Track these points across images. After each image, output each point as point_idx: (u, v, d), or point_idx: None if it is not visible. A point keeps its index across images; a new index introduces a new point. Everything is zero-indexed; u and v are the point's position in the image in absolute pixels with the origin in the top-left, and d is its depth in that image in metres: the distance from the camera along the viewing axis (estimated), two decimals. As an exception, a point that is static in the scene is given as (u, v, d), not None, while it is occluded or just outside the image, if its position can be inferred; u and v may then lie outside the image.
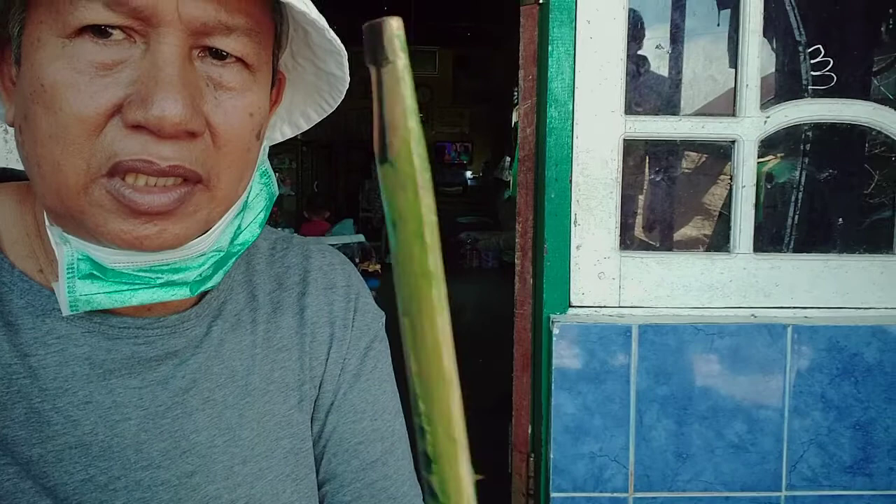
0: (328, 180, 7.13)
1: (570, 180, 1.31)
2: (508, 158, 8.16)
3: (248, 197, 0.57)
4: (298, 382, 0.64)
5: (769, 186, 1.33)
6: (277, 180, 0.68)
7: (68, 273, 0.51)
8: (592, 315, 1.33)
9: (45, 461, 0.52)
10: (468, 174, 8.90)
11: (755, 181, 1.32)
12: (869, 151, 1.33)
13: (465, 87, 8.92)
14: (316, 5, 0.54)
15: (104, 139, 0.46)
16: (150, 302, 0.53)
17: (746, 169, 1.32)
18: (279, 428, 0.63)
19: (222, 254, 0.56)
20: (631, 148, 1.37)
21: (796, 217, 1.31)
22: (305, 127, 0.68)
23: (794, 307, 1.34)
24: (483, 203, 8.50)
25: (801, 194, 1.31)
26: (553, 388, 1.30)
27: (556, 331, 1.30)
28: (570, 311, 1.34)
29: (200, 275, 0.54)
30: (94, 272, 0.51)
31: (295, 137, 0.72)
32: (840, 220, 1.35)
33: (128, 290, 0.52)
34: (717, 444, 1.31)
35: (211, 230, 0.53)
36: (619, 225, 1.33)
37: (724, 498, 1.32)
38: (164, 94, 0.45)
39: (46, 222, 0.51)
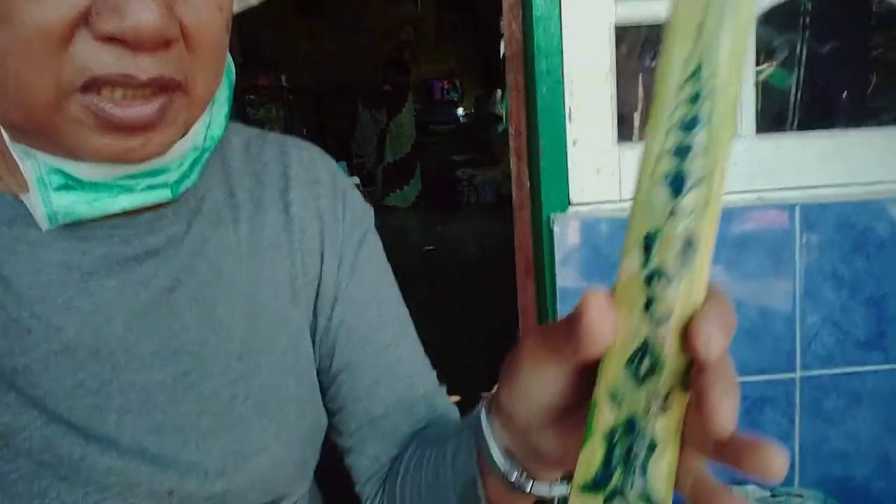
0: (316, 128, 7.03)
1: (562, 73, 1.26)
2: (500, 91, 8.01)
3: None
4: (290, 278, 0.62)
5: (769, 63, 1.28)
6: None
7: (39, 186, 0.48)
8: (594, 211, 1.30)
9: (31, 370, 0.50)
10: (459, 111, 8.75)
11: (755, 58, 1.26)
12: (872, 20, 1.27)
13: (449, 21, 8.67)
14: None
15: (73, 52, 0.42)
16: (132, 207, 0.51)
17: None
18: (274, 324, 0.61)
19: (198, 152, 0.54)
20: (624, 34, 1.31)
21: (799, 94, 1.26)
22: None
23: (801, 187, 1.30)
24: (477, 140, 8.38)
25: (802, 70, 1.25)
26: (557, 287, 1.28)
27: (556, 229, 1.26)
28: (571, 208, 1.30)
29: (180, 175, 0.52)
30: (69, 182, 0.48)
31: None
32: (844, 94, 1.29)
33: (107, 196, 0.49)
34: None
35: (190, 132, 0.51)
36: (615, 117, 1.28)
37: (740, 382, 1.30)
38: (139, 1, 0.41)
39: (6, 138, 0.47)
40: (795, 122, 1.31)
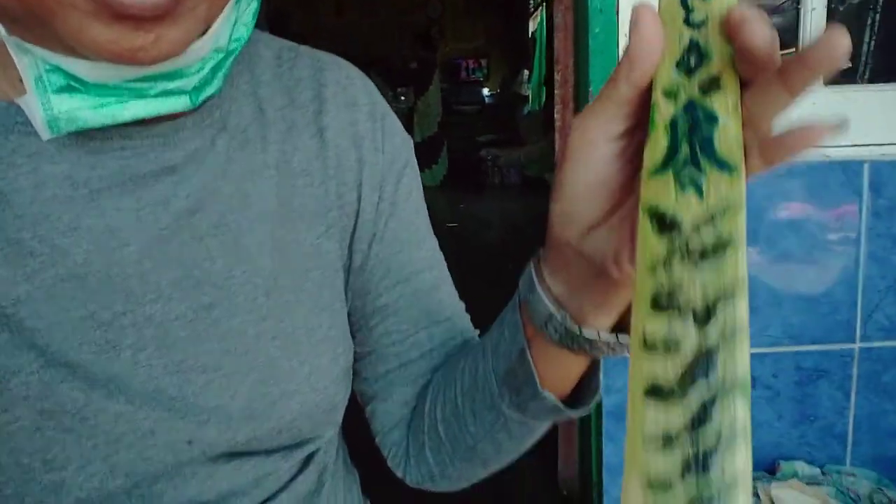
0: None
1: (617, 12, 1.17)
2: (527, 72, 7.89)
3: None
4: (324, 209, 0.55)
5: (841, 9, 1.18)
6: None
7: (38, 87, 0.40)
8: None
9: (34, 299, 0.44)
10: (485, 91, 8.62)
11: (826, 3, 1.17)
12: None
13: (478, -1, 8.55)
14: None
15: None
16: (145, 115, 0.43)
17: (817, -13, 1.16)
18: (306, 259, 0.54)
19: (222, 55, 0.45)
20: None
21: (872, 43, 1.16)
22: None
23: (870, 144, 1.21)
24: (502, 120, 8.27)
25: (877, 16, 1.15)
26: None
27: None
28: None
29: (200, 81, 0.44)
30: (72, 83, 0.40)
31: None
32: (922, 43, 1.19)
33: (116, 102, 0.41)
34: (785, 295, 1.21)
35: (211, 30, 0.42)
36: (672, 61, 1.19)
37: (793, 353, 1.22)
38: None
39: (2, 31, 0.40)
40: (867, 74, 1.21)
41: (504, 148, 7.13)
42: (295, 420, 0.54)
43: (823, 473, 1.23)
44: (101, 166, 0.45)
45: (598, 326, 0.42)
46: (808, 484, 1.17)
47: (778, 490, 1.14)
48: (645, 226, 0.31)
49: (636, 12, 0.32)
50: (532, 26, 7.84)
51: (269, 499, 0.55)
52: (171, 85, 0.43)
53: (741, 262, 0.28)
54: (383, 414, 0.64)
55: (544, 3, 7.03)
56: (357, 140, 0.58)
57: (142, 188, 0.47)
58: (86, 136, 0.45)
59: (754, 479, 1.21)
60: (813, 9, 1.17)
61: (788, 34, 1.22)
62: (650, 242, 0.30)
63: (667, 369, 0.29)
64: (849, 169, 1.17)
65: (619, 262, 0.38)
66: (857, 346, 1.22)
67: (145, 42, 0.38)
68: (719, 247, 0.29)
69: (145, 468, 0.48)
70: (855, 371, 1.23)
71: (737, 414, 0.27)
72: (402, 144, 0.62)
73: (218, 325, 0.50)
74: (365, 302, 0.61)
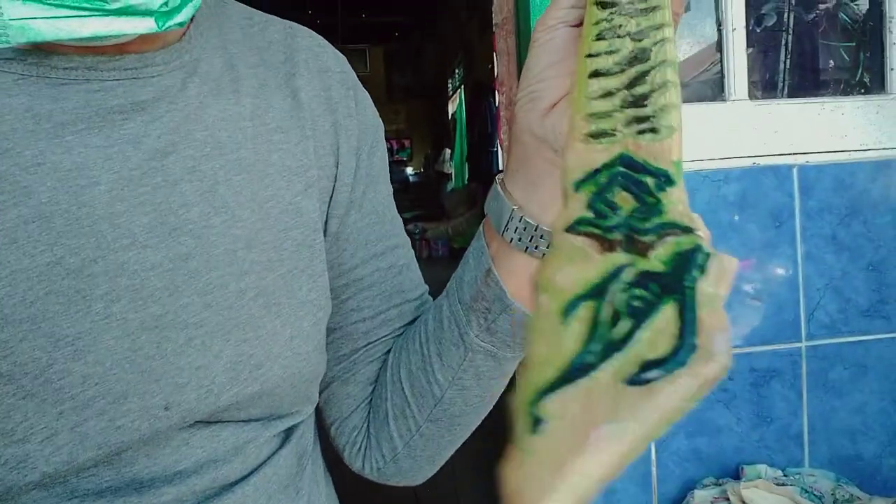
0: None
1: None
2: (448, 151, 8.13)
3: None
4: (302, 167, 0.54)
5: (758, 30, 1.29)
6: None
7: None
8: (591, 175, 1.25)
9: None
10: (409, 170, 8.82)
11: (745, 24, 1.27)
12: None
13: (398, 83, 8.86)
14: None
15: None
16: (106, 34, 0.40)
17: (735, 10, 1.26)
18: (286, 216, 0.52)
19: None
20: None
21: (787, 61, 1.27)
22: None
23: (795, 153, 1.29)
24: (426, 198, 8.43)
25: (790, 37, 1.26)
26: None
27: (556, 190, 1.21)
28: (568, 173, 1.26)
29: (167, 3, 0.41)
30: None
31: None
32: (831, 61, 1.31)
33: (75, 16, 0.39)
34: (732, 297, 1.24)
35: None
36: (610, 78, 1.25)
37: (746, 354, 1.25)
38: None
39: None
40: (786, 90, 1.31)
41: (430, 221, 7.24)
42: (278, 387, 0.50)
43: (785, 475, 1.24)
44: (64, 99, 0.42)
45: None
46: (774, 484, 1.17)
47: (747, 490, 1.13)
48: (591, 10, 0.37)
49: None
50: (451, 108, 8.17)
51: (251, 472, 0.51)
52: (135, 0, 0.39)
53: (668, 16, 0.34)
54: (344, 397, 0.61)
55: (462, 86, 7.36)
56: (331, 105, 0.57)
57: (110, 125, 0.44)
58: (47, 67, 0.42)
59: (722, 483, 1.20)
60: (734, 29, 1.27)
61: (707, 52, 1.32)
62: (593, 12, 0.36)
63: (608, 61, 0.35)
64: (780, 172, 1.24)
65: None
66: (803, 344, 1.26)
67: None
68: (650, 8, 0.35)
69: (118, 437, 0.43)
70: (804, 370, 1.26)
71: (667, 76, 0.33)
72: (374, 116, 0.62)
73: (197, 277, 0.46)
74: (339, 273, 0.58)
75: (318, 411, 0.62)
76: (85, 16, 0.39)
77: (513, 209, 0.48)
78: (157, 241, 0.45)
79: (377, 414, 0.60)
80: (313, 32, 0.61)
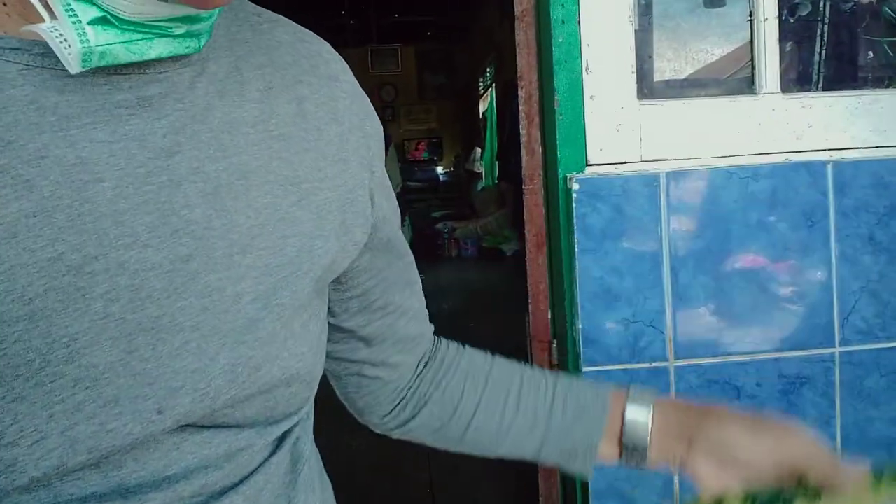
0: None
1: (579, 22, 1.19)
2: (479, 150, 8.08)
3: None
4: (298, 179, 0.53)
5: (792, 21, 1.22)
6: None
7: (70, 17, 0.38)
8: (612, 171, 1.21)
9: None
10: (439, 169, 8.80)
11: (777, 13, 1.21)
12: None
13: (429, 83, 8.84)
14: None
15: None
16: (167, 55, 0.43)
17: (766, 0, 1.21)
18: (284, 224, 0.51)
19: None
20: (641, -14, 1.25)
21: (822, 53, 1.20)
22: None
23: (830, 149, 1.23)
24: (457, 197, 8.39)
25: (826, 27, 1.20)
26: (577, 250, 1.17)
27: (574, 187, 1.17)
28: (588, 169, 1.21)
29: (210, 26, 0.45)
30: (108, 16, 0.39)
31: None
32: (870, 53, 1.24)
33: (143, 39, 0.41)
34: (762, 299, 1.19)
35: None
36: (636, 70, 1.21)
37: (774, 360, 1.19)
38: None
39: None
40: (821, 82, 1.25)
41: (460, 220, 7.21)
42: (275, 388, 0.50)
43: (815, 487, 1.18)
44: (70, 91, 0.41)
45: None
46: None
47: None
48: None
49: None
50: (482, 107, 8.11)
51: (244, 479, 0.50)
52: (195, 27, 0.42)
53: None
54: (380, 379, 0.69)
55: (493, 85, 7.30)
56: (338, 115, 0.57)
57: (116, 120, 0.43)
58: (53, 58, 0.41)
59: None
60: (765, 19, 1.21)
61: (741, 46, 1.26)
62: None
63: None
64: (813, 169, 1.18)
65: None
66: (837, 350, 1.19)
67: None
68: None
69: (109, 442, 0.42)
70: (837, 377, 1.20)
71: None
72: (380, 128, 0.63)
73: (196, 280, 0.45)
74: (353, 269, 0.61)
75: (316, 411, 0.63)
76: (151, 38, 0.41)
77: (645, 454, 0.63)
78: (159, 241, 0.44)
79: (408, 404, 0.69)
80: (323, 40, 0.61)
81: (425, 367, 0.70)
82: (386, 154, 6.20)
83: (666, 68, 1.27)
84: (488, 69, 7.48)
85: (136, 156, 0.43)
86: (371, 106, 0.62)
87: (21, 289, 0.38)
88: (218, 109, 0.49)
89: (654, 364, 1.18)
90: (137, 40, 0.40)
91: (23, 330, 0.39)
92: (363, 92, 0.62)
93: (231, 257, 0.47)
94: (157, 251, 0.43)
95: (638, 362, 1.18)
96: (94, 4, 0.38)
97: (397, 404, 0.70)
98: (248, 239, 0.48)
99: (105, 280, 0.41)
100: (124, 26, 0.40)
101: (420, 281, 0.71)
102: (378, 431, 0.72)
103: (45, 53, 0.41)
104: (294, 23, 0.60)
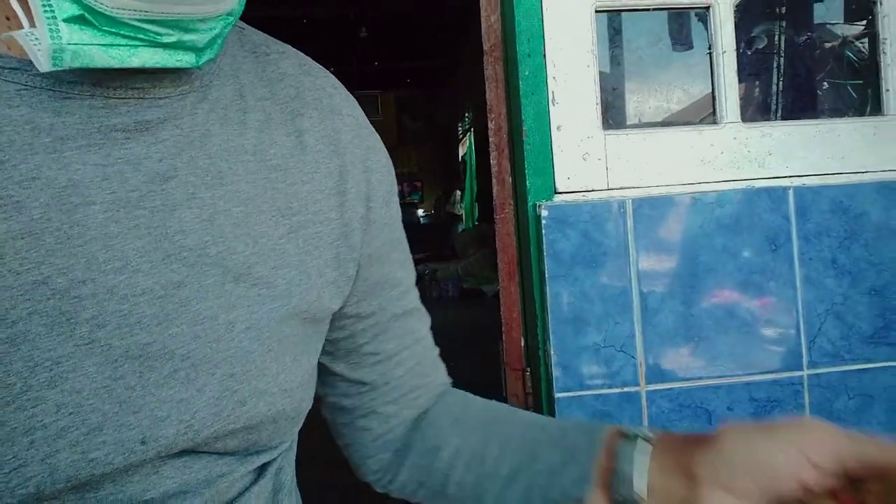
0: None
1: (544, 56, 1.23)
2: (459, 192, 8.16)
3: None
4: (290, 211, 0.53)
5: (749, 53, 1.27)
6: None
7: (46, 12, 0.36)
8: (580, 199, 1.23)
9: None
10: (420, 212, 8.86)
11: (735, 46, 1.26)
12: (846, 8, 1.29)
13: (410, 127, 8.97)
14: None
15: None
16: (152, 66, 0.40)
17: (725, 34, 1.25)
18: (275, 255, 0.51)
19: (231, 20, 0.44)
20: (605, 18, 1.30)
21: (781, 84, 1.25)
22: None
23: (791, 175, 1.26)
24: (437, 239, 8.43)
25: (782, 59, 1.25)
26: (547, 276, 1.18)
27: (544, 213, 1.18)
28: (557, 196, 1.23)
29: (209, 41, 0.42)
30: (86, 15, 0.37)
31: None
32: (825, 83, 1.29)
33: (126, 44, 0.39)
34: (730, 323, 1.20)
35: None
36: (600, 101, 1.24)
37: (745, 384, 1.20)
38: None
39: None
40: (780, 112, 1.29)
41: (441, 262, 7.23)
42: (260, 423, 0.49)
43: (790, 512, 1.17)
44: (66, 113, 0.41)
45: None
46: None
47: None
48: None
49: None
50: (462, 150, 8.22)
51: None
52: (187, 37, 0.40)
53: None
54: (365, 431, 0.66)
55: (472, 129, 7.42)
56: (339, 149, 0.56)
57: (111, 143, 0.42)
58: (51, 79, 0.41)
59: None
60: (724, 52, 1.26)
61: (702, 77, 1.30)
62: None
63: None
64: (775, 194, 1.21)
65: None
66: (805, 373, 1.20)
67: None
68: None
69: (90, 470, 0.41)
70: (807, 399, 1.21)
71: None
72: (387, 162, 0.62)
73: (188, 307, 0.44)
74: (354, 315, 0.60)
75: (300, 440, 0.62)
76: (136, 45, 0.39)
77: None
78: (150, 266, 0.43)
79: (394, 457, 0.65)
80: (328, 73, 0.61)
81: (424, 421, 0.64)
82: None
83: (630, 99, 1.31)
84: (467, 114, 7.61)
85: (129, 179, 0.43)
86: (379, 142, 0.61)
87: (4, 311, 0.38)
88: (217, 136, 0.48)
89: (625, 389, 1.18)
90: (119, 45, 0.39)
91: (3, 352, 0.38)
92: (371, 127, 0.61)
93: (223, 285, 0.46)
94: (148, 276, 0.43)
95: (610, 387, 1.18)
96: (74, 1, 0.37)
97: (389, 459, 0.65)
98: (244, 268, 0.48)
99: (92, 304, 0.41)
100: (105, 27, 0.38)
101: (429, 335, 0.67)
102: (379, 490, 0.67)
103: (44, 74, 0.40)
104: (302, 54, 0.60)
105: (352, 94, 0.62)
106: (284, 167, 0.52)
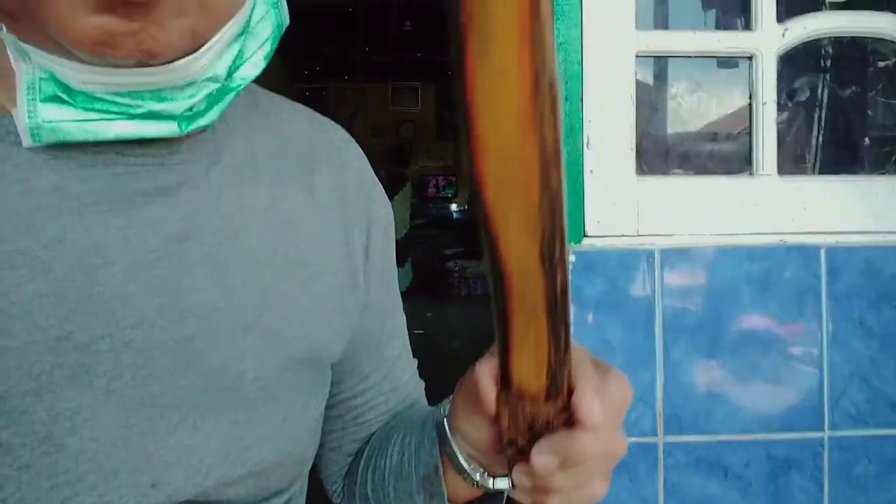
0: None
1: (581, 99, 1.23)
2: (493, 189, 8.13)
3: (250, 17, 0.47)
4: (302, 262, 0.55)
5: (790, 104, 1.25)
6: None
7: (28, 94, 0.41)
8: (609, 244, 1.23)
9: (10, 316, 0.41)
10: (453, 206, 8.86)
11: (776, 98, 1.24)
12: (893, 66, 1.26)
13: (448, 120, 8.94)
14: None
15: None
16: (129, 136, 0.43)
17: (766, 84, 1.24)
18: (286, 307, 0.53)
19: (218, 86, 0.46)
20: (645, 64, 1.29)
21: (820, 137, 1.23)
22: None
23: (824, 232, 1.24)
24: (468, 235, 8.42)
25: (823, 113, 1.23)
26: (570, 325, 1.19)
27: (571, 259, 1.19)
28: (586, 240, 1.24)
29: (191, 108, 0.44)
30: (60, 94, 0.41)
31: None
32: (866, 139, 1.26)
33: (101, 119, 0.42)
34: (752, 379, 1.19)
35: (202, 49, 0.43)
36: (635, 147, 1.24)
37: (763, 441, 1.19)
38: None
39: (3, 30, 0.41)
40: (818, 166, 1.27)
41: (471, 259, 7.23)
42: (267, 469, 0.51)
43: (801, 572, 1.17)
44: (91, 180, 0.44)
45: (505, 472, 0.48)
46: (786, 582, 1.11)
47: (755, 587, 1.07)
48: None
49: (478, 375, 0.43)
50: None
51: None
52: (159, 106, 0.42)
53: None
54: (330, 461, 0.67)
55: (511, 127, 7.35)
56: (345, 199, 0.59)
57: (132, 207, 0.45)
58: (78, 149, 0.44)
59: (730, 576, 1.14)
60: (764, 103, 1.24)
61: (741, 129, 1.29)
62: None
63: None
64: (806, 252, 1.20)
65: None
66: (826, 434, 1.19)
67: (126, 29, 0.38)
68: None
69: None
70: (826, 461, 1.20)
71: None
72: (387, 213, 0.65)
73: (199, 359, 0.47)
74: (341, 364, 0.61)
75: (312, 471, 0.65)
76: (111, 119, 0.42)
77: (465, 470, 0.50)
78: (165, 321, 0.46)
79: (350, 489, 0.66)
80: (338, 126, 0.64)
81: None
82: (395, 196, 6.20)
83: (666, 146, 1.30)
84: (506, 111, 7.55)
85: (148, 241, 0.46)
86: (382, 193, 0.64)
87: (30, 365, 0.41)
88: (230, 195, 0.51)
89: (643, 439, 1.18)
90: (94, 119, 0.42)
91: (29, 403, 0.41)
92: (375, 178, 0.63)
93: (234, 337, 0.49)
94: (163, 331, 0.45)
95: (627, 436, 1.18)
96: (53, 81, 0.40)
97: (342, 485, 0.68)
98: (253, 319, 0.50)
99: (110, 358, 0.43)
100: (81, 104, 0.41)
101: (411, 382, 0.68)
102: None
103: (70, 146, 0.43)
104: (311, 111, 0.63)
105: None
106: (296, 221, 0.55)
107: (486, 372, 0.42)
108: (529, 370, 0.39)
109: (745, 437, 1.19)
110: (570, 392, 0.42)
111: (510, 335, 0.37)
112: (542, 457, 0.41)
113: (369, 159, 0.65)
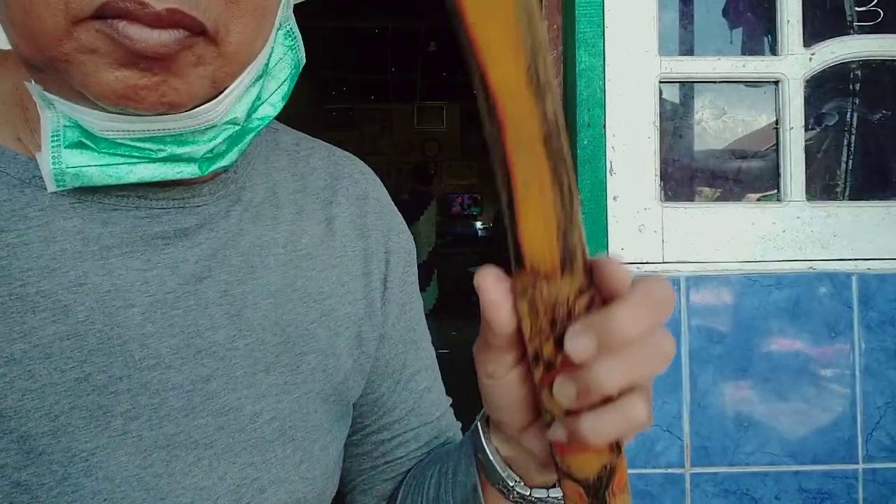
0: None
1: (604, 125, 1.22)
2: (518, 208, 8.12)
3: (268, 60, 0.48)
4: (322, 295, 0.55)
5: (818, 130, 1.24)
6: None
7: (53, 141, 0.42)
8: (634, 272, 1.22)
9: (31, 358, 0.42)
10: (478, 224, 8.86)
11: (803, 122, 1.22)
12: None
13: (473, 139, 8.97)
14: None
15: None
16: (151, 179, 0.44)
17: (793, 110, 1.22)
18: (303, 341, 0.53)
19: (238, 128, 0.46)
20: (668, 90, 1.28)
21: (850, 162, 1.21)
22: None
23: (855, 258, 1.22)
24: (493, 252, 8.41)
25: (853, 137, 1.21)
26: (595, 350, 1.17)
27: (595, 286, 1.18)
28: (610, 268, 1.22)
29: (212, 150, 0.45)
30: (84, 140, 0.42)
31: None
32: (898, 164, 1.24)
33: (123, 163, 0.43)
34: (782, 409, 1.17)
35: (222, 95, 0.44)
36: (659, 173, 1.23)
37: (794, 472, 1.16)
38: None
39: (32, 85, 0.42)
40: (847, 192, 1.25)
41: (496, 278, 7.20)
42: None
43: None
44: (113, 223, 0.45)
45: (544, 482, 0.45)
46: None
47: None
48: None
49: (478, 280, 0.36)
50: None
51: None
52: (180, 150, 0.43)
53: None
54: None
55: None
56: (364, 231, 0.59)
57: (153, 250, 0.46)
58: (102, 193, 0.45)
59: None
60: (791, 128, 1.22)
61: (768, 153, 1.27)
62: None
63: None
64: (837, 280, 1.17)
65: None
66: (860, 466, 1.16)
67: (149, 83, 0.39)
68: None
69: None
70: (860, 494, 1.16)
71: None
72: (407, 242, 0.64)
73: (214, 399, 0.47)
74: (362, 397, 0.60)
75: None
76: (133, 163, 0.43)
77: (503, 478, 0.46)
78: (182, 362, 0.46)
79: None
80: (357, 159, 0.64)
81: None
82: (421, 215, 6.17)
83: (690, 172, 1.29)
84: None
85: (167, 282, 0.46)
86: (402, 223, 0.64)
87: (49, 406, 0.41)
88: (250, 234, 0.51)
89: (669, 470, 1.16)
90: (117, 164, 0.42)
91: (46, 444, 0.41)
92: (395, 209, 0.63)
93: (254, 376, 0.49)
94: (179, 372, 0.46)
95: (653, 467, 1.16)
96: (77, 128, 0.41)
97: None
98: (273, 357, 0.50)
99: (127, 399, 0.44)
100: (104, 149, 0.42)
101: (444, 414, 0.65)
102: None
103: (94, 189, 0.44)
104: (331, 146, 0.63)
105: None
106: (314, 255, 0.55)
107: (486, 274, 0.35)
108: (537, 227, 0.33)
109: (776, 469, 1.16)
110: (591, 274, 0.35)
111: (512, 181, 0.32)
112: (577, 339, 0.32)
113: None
